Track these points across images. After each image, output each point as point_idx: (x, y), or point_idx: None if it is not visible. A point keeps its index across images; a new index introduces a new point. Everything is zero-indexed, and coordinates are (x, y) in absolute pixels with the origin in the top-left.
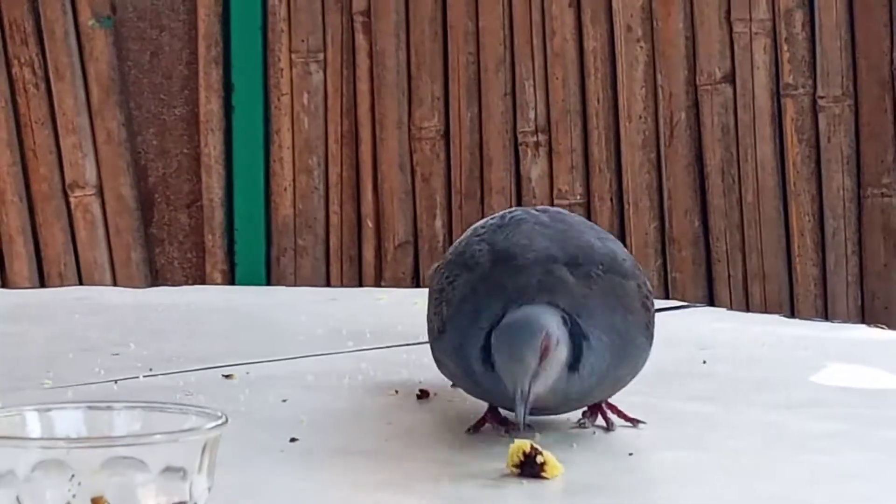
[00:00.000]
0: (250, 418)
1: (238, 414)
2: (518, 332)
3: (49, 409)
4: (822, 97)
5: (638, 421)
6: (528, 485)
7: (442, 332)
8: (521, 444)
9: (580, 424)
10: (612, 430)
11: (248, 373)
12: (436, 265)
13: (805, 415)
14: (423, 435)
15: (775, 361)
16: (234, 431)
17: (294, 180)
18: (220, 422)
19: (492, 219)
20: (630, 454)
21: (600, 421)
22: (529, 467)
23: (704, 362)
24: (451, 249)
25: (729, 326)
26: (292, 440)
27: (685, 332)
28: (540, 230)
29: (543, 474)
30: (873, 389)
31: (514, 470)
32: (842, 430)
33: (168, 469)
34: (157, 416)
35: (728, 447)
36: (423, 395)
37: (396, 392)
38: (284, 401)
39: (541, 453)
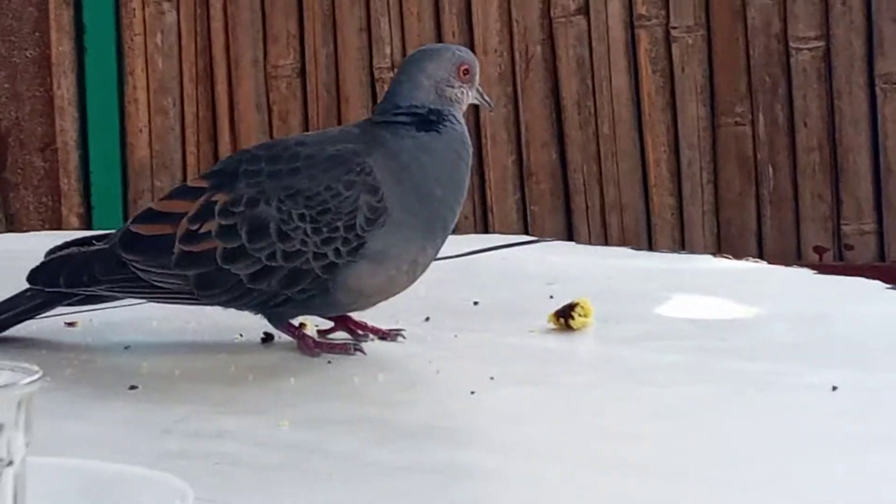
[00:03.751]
0: (91, 366)
1: (79, 362)
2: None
3: None
4: (675, 27)
5: (396, 332)
6: (370, 425)
7: (384, 217)
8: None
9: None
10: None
11: (91, 320)
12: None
13: (648, 348)
14: (266, 378)
15: (621, 294)
16: (74, 379)
17: (150, 121)
18: (34, 377)
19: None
20: (472, 392)
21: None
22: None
23: (551, 297)
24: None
25: (578, 260)
26: (132, 388)
27: (534, 266)
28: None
29: (573, 323)
30: (716, 320)
31: (559, 322)
32: (683, 362)
33: None
34: None
35: (569, 382)
36: (268, 338)
37: (241, 336)
38: (127, 347)
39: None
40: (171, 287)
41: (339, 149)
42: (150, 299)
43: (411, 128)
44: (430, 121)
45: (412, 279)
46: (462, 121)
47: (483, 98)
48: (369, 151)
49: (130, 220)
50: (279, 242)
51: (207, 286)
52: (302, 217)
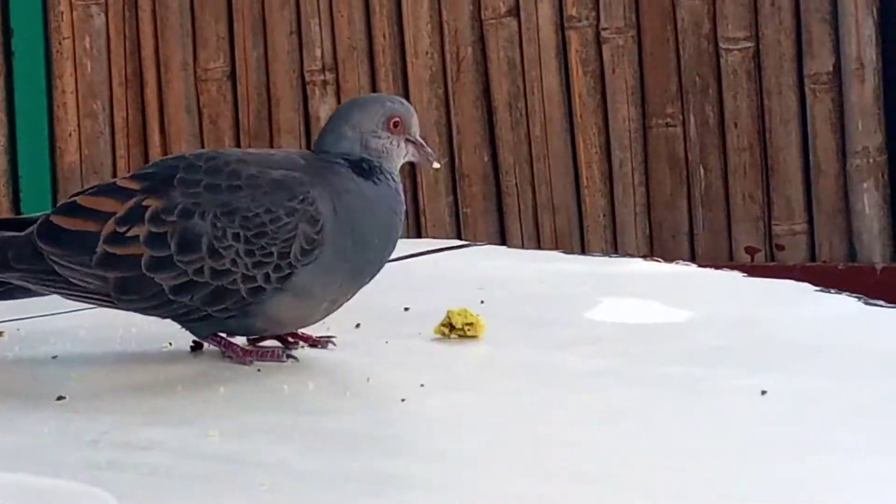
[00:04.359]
0: (18, 376)
1: (5, 372)
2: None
3: None
4: (605, 28)
5: (327, 339)
6: (301, 434)
7: (319, 249)
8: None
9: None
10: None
11: (18, 329)
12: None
13: (578, 353)
14: (195, 387)
15: (551, 298)
16: (0, 391)
17: (79, 125)
18: None
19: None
20: (402, 400)
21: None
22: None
23: (482, 302)
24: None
25: (508, 264)
26: (59, 398)
27: (465, 271)
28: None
29: (471, 333)
30: (645, 324)
31: (444, 329)
32: (612, 367)
33: None
34: None
35: (500, 388)
36: (197, 346)
37: (170, 344)
38: (55, 357)
39: (470, 323)
40: (87, 286)
41: (283, 174)
42: (64, 295)
43: (350, 171)
44: (363, 169)
45: (328, 314)
46: (397, 177)
47: (422, 152)
48: (314, 183)
49: (52, 210)
50: (209, 258)
51: (127, 291)
52: (236, 236)
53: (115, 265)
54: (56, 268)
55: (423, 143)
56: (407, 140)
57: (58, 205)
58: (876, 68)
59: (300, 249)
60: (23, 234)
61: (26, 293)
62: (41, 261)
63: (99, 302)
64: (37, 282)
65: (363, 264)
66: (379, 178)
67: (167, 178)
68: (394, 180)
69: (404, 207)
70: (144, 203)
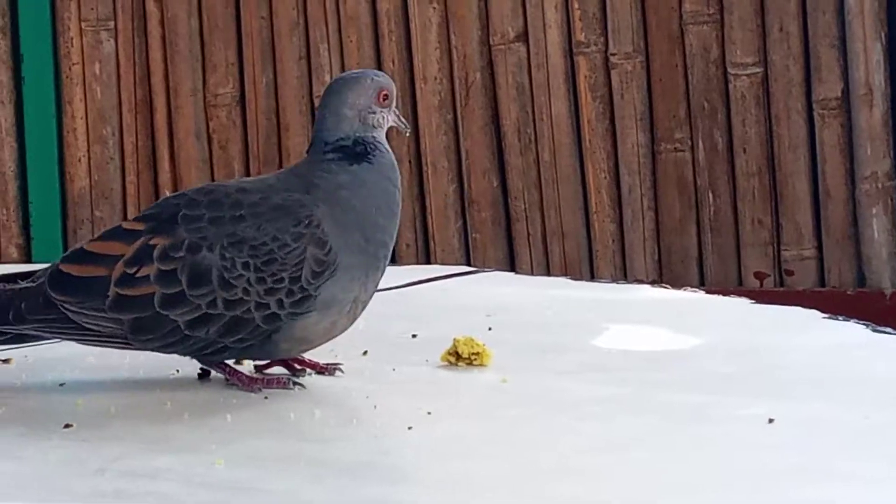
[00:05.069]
0: (25, 404)
1: (13, 400)
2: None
3: None
4: (613, 54)
5: (334, 367)
6: (307, 462)
7: (330, 270)
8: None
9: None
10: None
11: (26, 357)
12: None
13: (586, 380)
14: (202, 414)
15: (560, 326)
16: (8, 418)
17: (88, 151)
18: None
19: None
20: (409, 428)
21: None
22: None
23: (490, 329)
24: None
25: (516, 291)
26: (66, 426)
27: (473, 298)
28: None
29: (476, 363)
30: (653, 352)
31: (451, 358)
32: (620, 394)
33: None
34: None
35: (509, 416)
36: (205, 374)
37: (178, 371)
38: (62, 384)
39: (476, 353)
40: (103, 330)
41: (284, 198)
42: (80, 341)
43: (344, 162)
44: (358, 153)
45: (353, 318)
46: (388, 147)
47: (400, 120)
48: (315, 201)
49: (60, 259)
50: (221, 290)
51: (142, 331)
52: (246, 266)
53: (129, 307)
54: (70, 315)
55: (398, 113)
56: (391, 111)
57: (65, 253)
58: (884, 93)
59: (311, 273)
60: (34, 284)
61: (38, 339)
62: (54, 310)
63: (116, 345)
64: (51, 331)
65: (377, 251)
66: (373, 155)
67: (171, 217)
68: (387, 150)
69: (398, 174)
70: (151, 242)
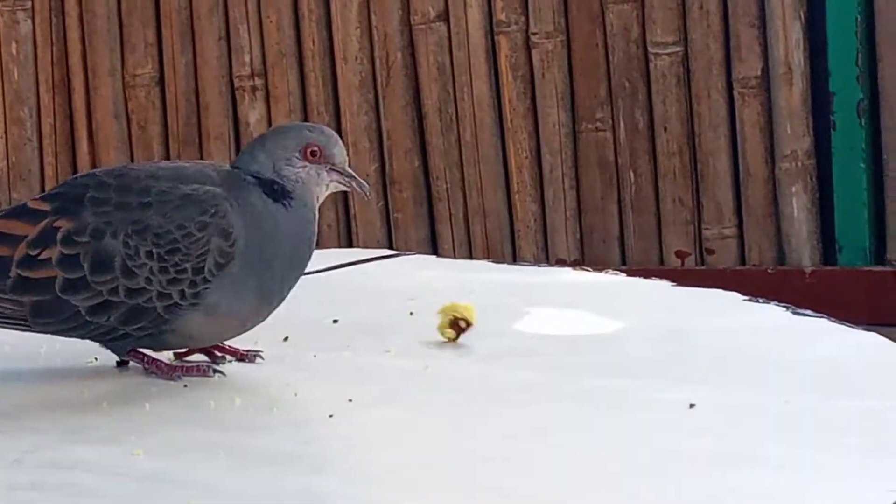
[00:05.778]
0: None
1: None
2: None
3: None
4: (534, 33)
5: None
6: (228, 451)
7: (228, 266)
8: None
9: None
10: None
11: None
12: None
13: (507, 365)
14: (121, 404)
15: (481, 310)
16: None
17: (6, 132)
18: None
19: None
20: (330, 416)
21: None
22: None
23: (412, 313)
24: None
25: (438, 275)
26: None
27: (394, 281)
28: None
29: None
30: (575, 336)
31: (451, 332)
32: (542, 379)
33: None
34: None
35: (428, 402)
36: (123, 362)
37: (96, 359)
38: None
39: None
40: (3, 311)
41: (194, 188)
42: None
43: (259, 190)
44: (275, 190)
45: (239, 333)
46: (311, 204)
47: (348, 182)
48: (225, 196)
49: None
50: (123, 278)
51: (43, 314)
52: (149, 254)
53: (30, 289)
54: None
55: (353, 174)
56: (331, 169)
57: None
58: (804, 72)
59: (214, 264)
60: None
61: None
62: None
63: (16, 326)
64: None
65: (271, 284)
66: (290, 204)
67: (77, 198)
68: (306, 206)
69: (315, 238)
70: (56, 224)
